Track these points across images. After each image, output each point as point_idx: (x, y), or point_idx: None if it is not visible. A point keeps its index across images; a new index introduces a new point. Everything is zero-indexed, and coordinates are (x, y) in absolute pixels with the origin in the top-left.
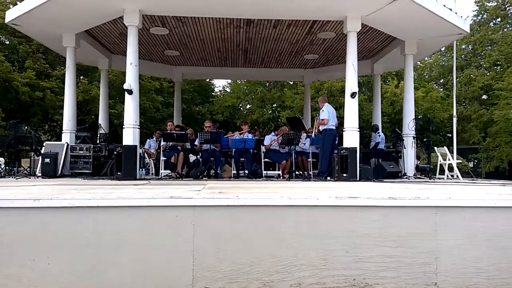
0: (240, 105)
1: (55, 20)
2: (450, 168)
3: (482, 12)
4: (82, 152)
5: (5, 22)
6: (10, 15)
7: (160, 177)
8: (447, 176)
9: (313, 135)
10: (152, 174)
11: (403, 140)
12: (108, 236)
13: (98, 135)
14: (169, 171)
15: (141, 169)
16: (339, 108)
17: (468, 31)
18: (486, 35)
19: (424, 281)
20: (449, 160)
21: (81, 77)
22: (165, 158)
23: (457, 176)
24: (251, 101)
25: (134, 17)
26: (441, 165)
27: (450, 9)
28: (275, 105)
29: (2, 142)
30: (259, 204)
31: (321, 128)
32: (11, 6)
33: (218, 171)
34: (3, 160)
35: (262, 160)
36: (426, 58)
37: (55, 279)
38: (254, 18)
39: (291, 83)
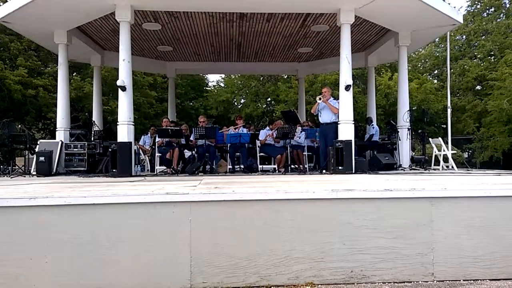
0: (234, 99)
1: (46, 17)
2: (445, 159)
3: (476, 2)
4: (76, 149)
5: None
6: (0, 12)
7: (155, 173)
8: (442, 166)
9: (321, 100)
10: (148, 170)
11: (398, 132)
12: (104, 233)
13: (92, 133)
14: (164, 167)
15: (136, 166)
16: None
17: (462, 21)
18: (480, 25)
19: (421, 272)
20: (444, 151)
21: (74, 74)
22: (160, 154)
23: (452, 166)
24: (245, 96)
25: (126, 12)
26: (436, 156)
27: (443, 0)
28: (269, 99)
29: None
30: (255, 199)
31: (328, 120)
32: (1, 4)
33: (214, 166)
34: None
35: (258, 155)
36: (420, 50)
37: (53, 278)
38: (247, 12)
39: (285, 77)
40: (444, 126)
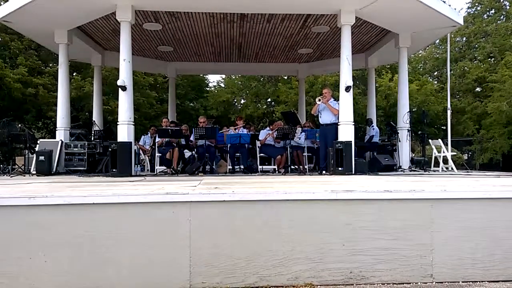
0: (235, 100)
1: (47, 16)
2: (445, 161)
3: (476, 4)
4: (76, 149)
5: None
6: (1, 12)
7: (155, 173)
8: (442, 168)
9: (321, 101)
10: (148, 170)
11: (398, 133)
12: (104, 233)
13: (93, 132)
14: (164, 167)
15: (136, 166)
16: None
17: (462, 23)
18: (480, 27)
19: (420, 273)
20: (443, 152)
21: (74, 74)
22: (160, 154)
23: (452, 168)
24: (246, 96)
25: (127, 12)
26: (435, 157)
27: (444, 1)
28: (269, 100)
29: None
30: (255, 199)
31: (328, 121)
32: (2, 3)
33: (214, 167)
34: None
35: (258, 155)
36: (420, 51)
37: (52, 277)
38: (248, 13)
39: (286, 77)
40: (444, 127)
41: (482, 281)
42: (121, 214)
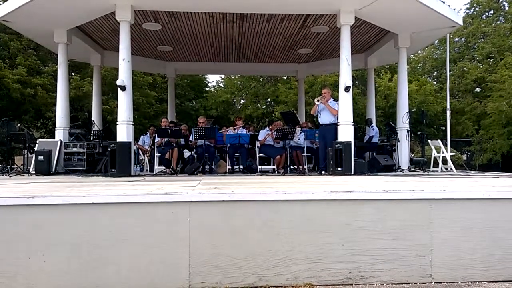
0: (234, 100)
1: (46, 16)
2: (444, 161)
3: (475, 4)
4: (75, 149)
5: None
6: (0, 11)
7: (154, 173)
8: (441, 168)
9: (320, 102)
10: (147, 170)
11: (397, 133)
12: (103, 233)
13: (92, 132)
14: (163, 167)
15: (135, 166)
16: None
17: (461, 23)
18: (479, 27)
19: (419, 273)
20: (443, 153)
21: (73, 74)
22: (159, 154)
23: (451, 168)
24: (245, 96)
25: (126, 12)
26: (435, 158)
27: (443, 2)
28: (269, 100)
29: None
30: (255, 199)
31: (328, 122)
32: (1, 2)
33: (213, 167)
34: None
35: (257, 155)
36: (419, 51)
37: (51, 277)
38: (247, 13)
39: (285, 78)
40: (443, 128)
41: (481, 281)
42: (120, 214)
